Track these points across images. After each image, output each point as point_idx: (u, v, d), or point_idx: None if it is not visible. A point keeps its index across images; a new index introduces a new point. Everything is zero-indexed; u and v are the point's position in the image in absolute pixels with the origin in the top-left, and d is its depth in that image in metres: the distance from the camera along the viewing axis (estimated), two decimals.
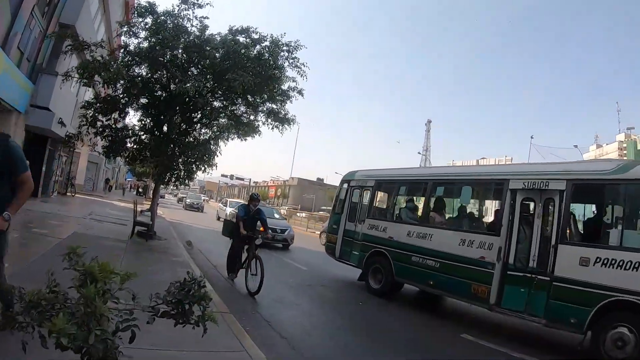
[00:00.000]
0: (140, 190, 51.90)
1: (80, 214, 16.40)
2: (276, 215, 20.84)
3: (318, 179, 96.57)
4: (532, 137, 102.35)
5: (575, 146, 41.14)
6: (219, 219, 28.68)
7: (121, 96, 13.32)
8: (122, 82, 12.23)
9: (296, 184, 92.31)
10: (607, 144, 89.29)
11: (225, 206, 29.71)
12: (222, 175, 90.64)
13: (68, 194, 26.30)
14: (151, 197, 16.72)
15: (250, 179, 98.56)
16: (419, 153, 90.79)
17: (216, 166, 14.36)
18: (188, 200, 41.56)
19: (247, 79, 11.57)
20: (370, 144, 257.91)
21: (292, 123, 14.69)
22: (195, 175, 14.71)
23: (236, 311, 6.93)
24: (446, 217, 10.22)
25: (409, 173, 12.08)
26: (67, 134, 13.62)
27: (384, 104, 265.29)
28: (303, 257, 16.14)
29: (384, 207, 12.19)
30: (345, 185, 12.64)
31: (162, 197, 59.53)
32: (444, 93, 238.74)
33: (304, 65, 13.31)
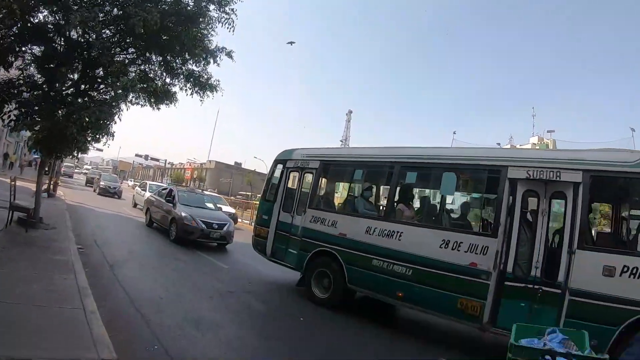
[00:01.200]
0: (46, 168, 46.18)
1: None
2: (209, 205, 16.78)
3: (236, 162, 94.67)
4: (454, 133, 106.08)
5: (498, 144, 41.92)
6: (135, 205, 24.92)
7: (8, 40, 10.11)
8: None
9: (213, 167, 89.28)
10: (520, 145, 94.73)
11: (145, 190, 24.45)
12: (137, 155, 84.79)
13: None
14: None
15: (166, 160, 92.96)
16: (341, 141, 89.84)
17: (113, 136, 11.27)
18: (102, 184, 31.97)
19: (153, 16, 9.14)
20: (291, 132, 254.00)
21: (215, 89, 12.39)
22: (89, 146, 11.97)
23: (130, 343, 5.04)
24: (423, 212, 8.49)
25: (368, 154, 9.51)
26: None
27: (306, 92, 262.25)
28: (223, 252, 13.96)
29: (333, 195, 10.37)
30: (280, 167, 10.60)
31: (70, 176, 53.75)
32: (367, 84, 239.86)
33: (233, 12, 10.89)
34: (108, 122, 10.30)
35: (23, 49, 10.56)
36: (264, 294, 9.24)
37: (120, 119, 11.16)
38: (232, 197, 40.69)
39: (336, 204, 9.89)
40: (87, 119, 9.51)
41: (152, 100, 12.83)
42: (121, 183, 38.72)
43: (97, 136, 10.69)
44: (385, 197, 8.80)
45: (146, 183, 28.16)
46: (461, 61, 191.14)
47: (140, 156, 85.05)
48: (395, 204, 8.29)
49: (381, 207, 8.90)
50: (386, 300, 7.97)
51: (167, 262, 10.70)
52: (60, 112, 10.21)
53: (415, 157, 8.29)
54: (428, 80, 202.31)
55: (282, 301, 8.98)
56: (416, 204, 8.79)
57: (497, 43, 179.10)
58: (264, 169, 77.81)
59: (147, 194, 21.03)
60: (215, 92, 12.43)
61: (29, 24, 10.05)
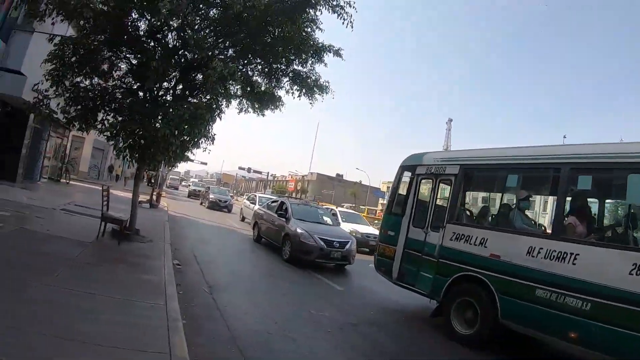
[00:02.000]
0: (151, 180, 48.80)
1: (55, 203, 13.00)
2: (327, 219, 14.40)
3: (337, 174, 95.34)
4: (565, 137, 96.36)
5: None
6: (243, 219, 23.18)
7: (101, 47, 9.74)
8: (88, 16, 8.83)
9: (315, 179, 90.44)
10: None
11: (254, 203, 21.83)
12: (240, 168, 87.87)
13: (62, 180, 23.07)
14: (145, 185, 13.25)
15: (268, 173, 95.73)
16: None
17: (213, 139, 10.36)
18: (212, 197, 29.88)
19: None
20: (389, 143, 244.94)
21: (325, 91, 11.34)
22: (187, 152, 10.83)
23: None
24: (605, 227, 6.49)
25: (524, 154, 7.34)
26: (34, 99, 10.13)
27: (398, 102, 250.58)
28: (339, 272, 12.15)
29: (481, 206, 8.56)
30: (407, 174, 9.04)
31: (175, 188, 56.33)
32: (461, 94, 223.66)
33: (349, 5, 9.52)
34: (206, 121, 9.13)
35: (118, 55, 10.12)
36: (392, 326, 7.55)
37: (220, 118, 10.16)
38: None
39: (485, 217, 8.04)
40: (183, 116, 8.51)
41: (256, 105, 12.18)
42: (233, 197, 37.16)
43: (195, 139, 9.68)
44: (554, 209, 6.79)
45: (255, 195, 24.94)
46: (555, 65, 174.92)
47: (243, 169, 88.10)
48: (566, 217, 6.31)
49: (545, 221, 6.97)
50: (554, 341, 6.04)
51: (276, 284, 9.42)
52: (157, 118, 9.46)
53: (592, 157, 6.10)
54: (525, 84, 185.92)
55: (415, 337, 7.22)
56: (594, 217, 6.68)
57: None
58: (367, 180, 77.33)
59: (256, 207, 19.60)
60: (325, 94, 11.44)
61: (124, 30, 9.49)
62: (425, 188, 8.75)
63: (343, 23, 9.52)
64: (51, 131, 20.30)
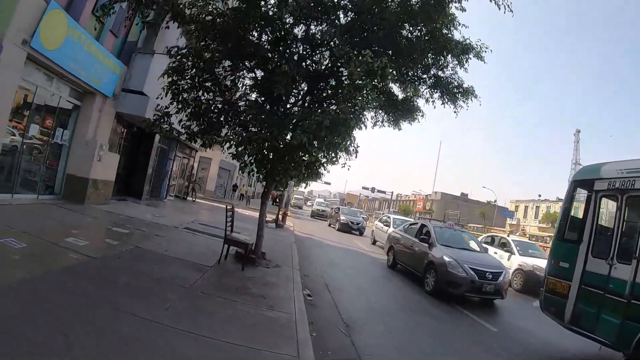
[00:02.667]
0: (277, 200, 49.50)
1: (178, 221, 12.69)
2: (473, 245, 12.21)
3: (462, 193, 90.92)
4: None
5: None
6: (375, 242, 21.23)
7: (222, 59, 9.02)
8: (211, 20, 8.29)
9: (439, 198, 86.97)
10: None
11: (387, 226, 20.20)
12: (364, 188, 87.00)
13: (188, 198, 23.74)
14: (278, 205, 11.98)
15: (392, 192, 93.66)
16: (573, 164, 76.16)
17: (357, 152, 8.91)
18: (343, 218, 26.69)
19: None
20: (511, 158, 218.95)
21: (471, 96, 9.72)
22: (324, 170, 9.29)
23: None
24: None
25: None
26: (154, 115, 9.72)
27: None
28: (489, 307, 10.08)
29: None
30: (583, 192, 7.34)
31: (300, 207, 56.50)
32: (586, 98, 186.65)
33: None
34: (350, 128, 7.58)
35: (238, 67, 9.26)
36: None
37: (365, 126, 8.77)
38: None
39: None
40: (322, 123, 6.96)
41: (391, 117, 10.96)
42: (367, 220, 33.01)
43: (338, 150, 8.29)
44: None
45: (389, 217, 22.55)
46: None
47: (367, 189, 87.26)
48: None
49: None
50: None
51: (420, 322, 7.85)
52: (287, 133, 8.23)
53: None
54: None
55: None
56: None
57: None
58: (493, 199, 71.63)
59: (390, 230, 18.06)
60: (471, 99, 9.77)
61: (245, 43, 8.65)
62: (607, 208, 7.06)
63: (499, 9, 7.77)
64: (177, 151, 20.88)
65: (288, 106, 9.25)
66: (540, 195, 77.96)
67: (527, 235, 51.87)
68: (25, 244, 6.33)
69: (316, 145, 7.46)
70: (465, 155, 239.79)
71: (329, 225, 29.80)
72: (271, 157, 8.52)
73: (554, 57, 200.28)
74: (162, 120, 9.29)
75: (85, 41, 10.73)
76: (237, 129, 8.78)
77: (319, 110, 7.67)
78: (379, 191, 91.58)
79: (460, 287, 9.60)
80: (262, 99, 9.36)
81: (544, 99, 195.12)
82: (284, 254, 11.24)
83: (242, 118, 8.88)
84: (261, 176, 9.08)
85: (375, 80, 7.10)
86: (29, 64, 9.45)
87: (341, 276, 10.99)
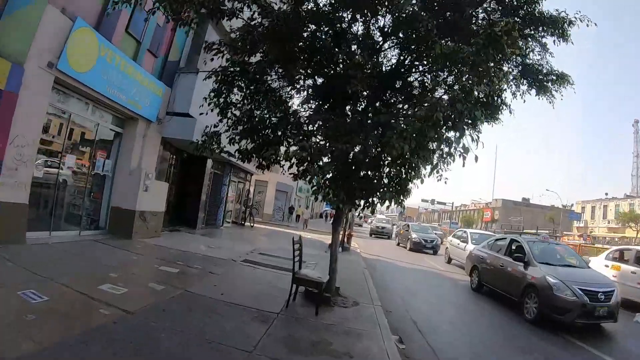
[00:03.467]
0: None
1: (235, 252, 11.34)
2: (571, 259, 10.05)
3: (523, 199, 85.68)
4: None
5: None
6: (450, 261, 18.97)
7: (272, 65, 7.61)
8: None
9: (500, 205, 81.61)
10: None
11: (465, 242, 17.76)
12: (423, 200, 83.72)
13: (246, 224, 22.66)
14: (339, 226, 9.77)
15: (452, 203, 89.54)
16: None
17: (476, 158, 6.09)
18: (415, 236, 23.71)
19: None
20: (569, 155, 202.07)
21: (567, 81, 7.74)
22: (411, 186, 6.64)
23: None
24: None
25: None
26: (203, 136, 8.38)
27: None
28: (600, 333, 8.08)
29: None
30: None
31: (360, 225, 53.84)
32: None
33: None
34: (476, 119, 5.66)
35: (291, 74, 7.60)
36: None
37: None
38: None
39: None
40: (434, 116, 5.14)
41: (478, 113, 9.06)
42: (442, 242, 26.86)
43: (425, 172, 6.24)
44: None
45: (465, 232, 19.64)
46: None
47: (427, 201, 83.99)
48: None
49: None
50: None
51: None
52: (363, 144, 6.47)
53: None
54: None
55: None
56: None
57: None
58: (558, 201, 66.12)
59: (469, 246, 16.06)
60: (564, 88, 7.83)
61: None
62: None
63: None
64: (232, 176, 19.85)
65: (362, 106, 7.52)
66: (607, 194, 71.27)
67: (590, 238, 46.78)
68: (48, 296, 5.10)
69: (421, 154, 5.65)
70: (518, 158, 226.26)
71: (398, 244, 26.70)
72: (351, 174, 6.74)
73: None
74: (212, 140, 7.98)
75: (120, 62, 9.78)
76: (302, 142, 7.06)
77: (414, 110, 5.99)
78: (438, 202, 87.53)
79: (569, 313, 7.81)
80: (326, 106, 7.70)
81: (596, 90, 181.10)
82: (358, 284, 9.51)
83: (304, 129, 7.36)
84: (338, 198, 6.79)
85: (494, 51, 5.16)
86: (58, 89, 8.57)
87: (427, 308, 9.17)
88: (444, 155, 6.11)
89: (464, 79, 5.47)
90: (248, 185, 24.61)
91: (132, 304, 5.42)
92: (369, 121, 6.78)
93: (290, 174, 7.19)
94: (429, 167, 6.07)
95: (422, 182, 6.34)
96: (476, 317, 9.18)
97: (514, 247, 10.41)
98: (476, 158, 5.68)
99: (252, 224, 22.63)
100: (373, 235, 33.44)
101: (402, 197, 6.38)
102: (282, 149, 7.64)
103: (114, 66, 9.62)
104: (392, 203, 6.45)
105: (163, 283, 6.82)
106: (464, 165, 5.80)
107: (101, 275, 6.59)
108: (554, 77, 7.77)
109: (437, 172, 6.12)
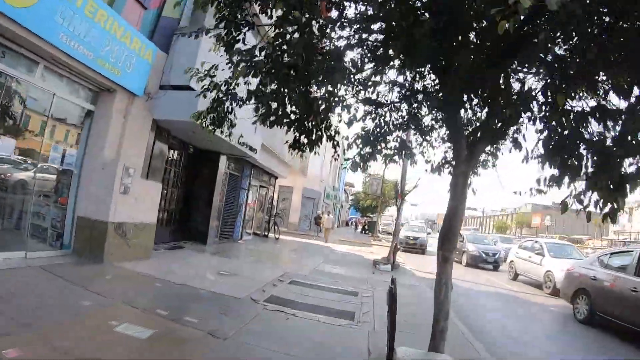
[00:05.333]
0: (366, 227, 43.24)
1: (257, 282, 7.78)
2: None
3: (554, 202, 78.67)
4: None
5: None
6: (516, 277, 15.20)
7: None
8: None
9: (530, 211, 76.29)
10: None
11: (540, 254, 13.81)
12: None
13: (270, 235, 19.11)
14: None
15: (483, 209, 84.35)
16: None
17: None
18: (472, 248, 19.14)
19: None
20: None
21: None
22: None
23: None
24: None
25: None
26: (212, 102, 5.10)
27: None
28: None
29: None
30: None
31: (389, 233, 48.04)
32: None
33: None
34: None
35: None
36: None
37: None
38: None
39: None
40: None
41: None
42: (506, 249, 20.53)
43: None
44: None
45: (538, 242, 15.23)
46: None
47: None
48: None
49: None
50: None
51: None
52: None
53: None
54: None
55: None
56: None
57: None
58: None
59: (547, 260, 12.96)
60: None
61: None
62: None
63: None
64: (252, 179, 16.33)
65: None
66: None
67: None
68: None
69: None
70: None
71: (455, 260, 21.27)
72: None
73: None
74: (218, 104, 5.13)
75: (86, 1, 6.46)
76: None
77: None
78: (469, 208, 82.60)
79: None
80: None
81: None
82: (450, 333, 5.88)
83: None
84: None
85: None
86: None
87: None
88: None
89: None
90: (272, 191, 21.10)
91: None
92: None
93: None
94: None
95: None
96: None
97: None
98: None
99: (277, 236, 19.01)
100: (406, 247, 23.78)
101: None
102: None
103: (76, 7, 6.26)
104: None
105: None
106: None
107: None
108: None
109: None
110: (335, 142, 5.31)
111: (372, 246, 25.00)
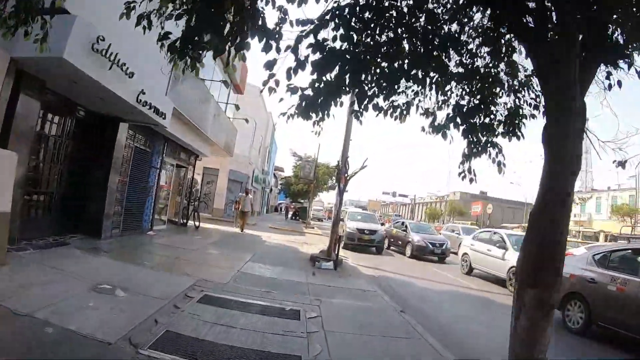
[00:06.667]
0: (297, 214, 40.78)
1: (152, 304, 5.29)
2: None
3: (481, 192, 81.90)
4: None
5: None
6: (471, 271, 13.66)
7: None
8: None
9: (458, 198, 78.79)
10: None
11: (503, 248, 12.19)
12: (384, 193, 79.19)
13: (190, 223, 16.30)
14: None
15: (415, 196, 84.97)
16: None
17: None
18: (417, 239, 17.36)
19: None
20: None
21: None
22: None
23: None
24: None
25: None
26: None
27: None
28: None
29: None
30: None
31: (320, 220, 46.26)
32: None
33: None
34: None
35: None
36: None
37: None
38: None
39: None
40: None
41: None
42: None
43: None
44: None
45: (498, 232, 13.76)
46: None
47: (387, 193, 79.13)
48: None
49: None
50: None
51: None
52: None
53: None
54: None
55: None
56: None
57: None
58: (519, 196, 62.40)
59: (511, 254, 11.41)
60: None
61: None
62: None
63: None
64: (165, 156, 13.38)
65: None
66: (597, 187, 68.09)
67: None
68: None
69: None
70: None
71: (389, 247, 19.53)
72: None
73: None
74: None
75: None
76: None
77: None
78: (400, 195, 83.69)
79: None
80: None
81: None
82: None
83: None
84: None
85: None
86: None
87: None
88: None
89: None
90: (193, 172, 18.12)
91: None
92: None
93: None
94: None
95: None
96: None
97: None
98: None
99: (197, 224, 16.21)
100: (350, 244, 17.19)
101: None
102: None
103: None
104: None
105: None
106: None
107: None
108: None
109: None
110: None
111: (305, 235, 22.88)
